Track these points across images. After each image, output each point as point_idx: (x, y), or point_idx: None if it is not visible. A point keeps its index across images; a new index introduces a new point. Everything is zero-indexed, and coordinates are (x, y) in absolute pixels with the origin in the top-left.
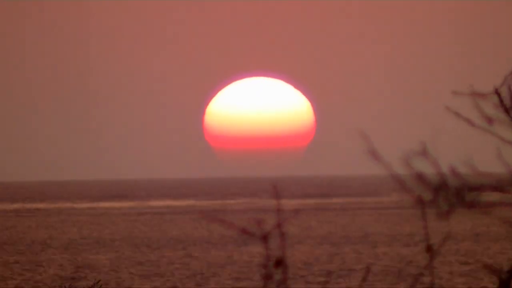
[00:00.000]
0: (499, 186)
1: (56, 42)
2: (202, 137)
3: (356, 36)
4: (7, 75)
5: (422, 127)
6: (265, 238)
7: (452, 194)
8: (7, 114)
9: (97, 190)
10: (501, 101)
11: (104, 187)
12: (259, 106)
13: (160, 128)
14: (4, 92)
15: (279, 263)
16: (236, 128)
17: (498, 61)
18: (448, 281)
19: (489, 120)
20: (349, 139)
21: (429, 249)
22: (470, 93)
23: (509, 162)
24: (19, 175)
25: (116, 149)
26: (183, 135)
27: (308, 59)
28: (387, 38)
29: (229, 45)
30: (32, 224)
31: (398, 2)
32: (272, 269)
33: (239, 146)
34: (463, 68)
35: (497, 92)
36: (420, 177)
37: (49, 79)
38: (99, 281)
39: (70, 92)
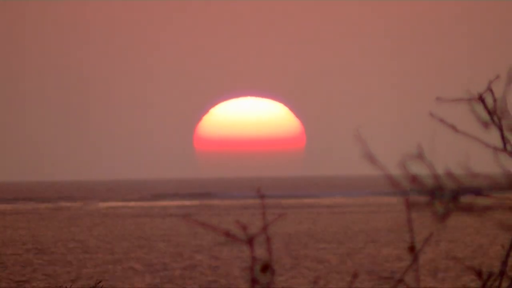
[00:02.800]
0: (494, 188)
1: (54, 45)
2: (197, 143)
3: (350, 36)
4: (7, 75)
5: (418, 130)
6: (250, 242)
7: (448, 196)
8: (6, 114)
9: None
10: (485, 107)
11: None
12: (251, 117)
13: (157, 133)
14: (4, 92)
15: (266, 267)
16: (229, 133)
17: (497, 62)
18: (432, 282)
19: (484, 124)
20: (340, 142)
21: (412, 249)
22: (454, 99)
23: (503, 165)
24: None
25: (115, 150)
26: (180, 141)
27: (296, 73)
28: (384, 39)
29: (225, 64)
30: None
31: (393, 2)
32: (259, 273)
33: (231, 149)
34: (460, 70)
35: (481, 98)
36: (415, 180)
37: (47, 80)
38: (101, 281)
39: (69, 93)
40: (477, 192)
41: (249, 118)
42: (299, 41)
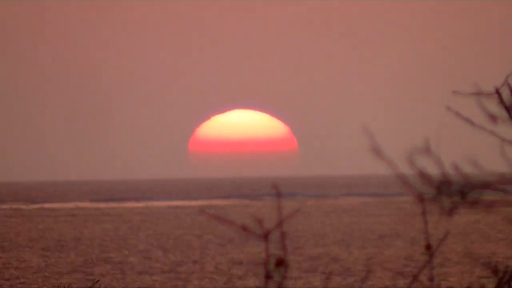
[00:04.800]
0: (502, 183)
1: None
2: (192, 148)
3: (356, 35)
4: (7, 75)
5: (425, 125)
6: (266, 237)
7: (455, 192)
8: (6, 114)
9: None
10: (501, 101)
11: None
12: (241, 125)
13: (155, 134)
14: (4, 92)
15: (280, 262)
16: (222, 138)
17: (503, 59)
18: (447, 279)
19: (493, 118)
20: (334, 143)
21: (428, 247)
22: (471, 93)
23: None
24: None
25: (115, 151)
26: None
27: (291, 79)
28: (390, 36)
29: (223, 80)
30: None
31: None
32: (273, 268)
33: (223, 151)
34: (468, 66)
35: (498, 92)
36: (423, 175)
37: (46, 80)
38: (98, 281)
39: (67, 93)
40: (485, 187)
41: (240, 125)
42: (286, 43)
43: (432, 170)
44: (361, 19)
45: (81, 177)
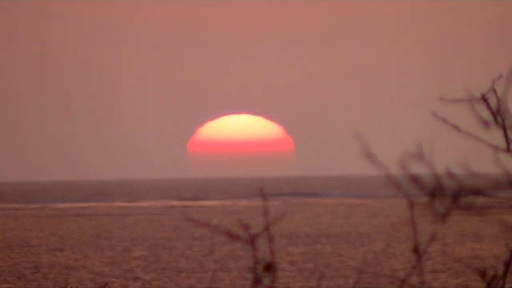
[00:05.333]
0: (494, 189)
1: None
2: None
3: (350, 37)
4: (7, 75)
5: (418, 129)
6: (252, 242)
7: (448, 196)
8: (6, 114)
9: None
10: (488, 107)
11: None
12: (242, 128)
13: (155, 135)
14: (4, 92)
15: (268, 267)
16: (223, 138)
17: (496, 62)
18: (435, 282)
19: (486, 124)
20: (329, 143)
21: (416, 250)
22: (458, 99)
23: (504, 165)
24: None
25: (115, 151)
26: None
27: (281, 80)
28: (387, 37)
29: (223, 85)
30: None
31: (394, 2)
32: (261, 273)
33: (224, 151)
34: (460, 70)
35: (484, 98)
36: (415, 180)
37: (46, 80)
38: (107, 284)
39: (66, 93)
40: (478, 192)
41: (237, 128)
42: (281, 45)
43: (425, 175)
44: (355, 22)
45: (80, 178)
